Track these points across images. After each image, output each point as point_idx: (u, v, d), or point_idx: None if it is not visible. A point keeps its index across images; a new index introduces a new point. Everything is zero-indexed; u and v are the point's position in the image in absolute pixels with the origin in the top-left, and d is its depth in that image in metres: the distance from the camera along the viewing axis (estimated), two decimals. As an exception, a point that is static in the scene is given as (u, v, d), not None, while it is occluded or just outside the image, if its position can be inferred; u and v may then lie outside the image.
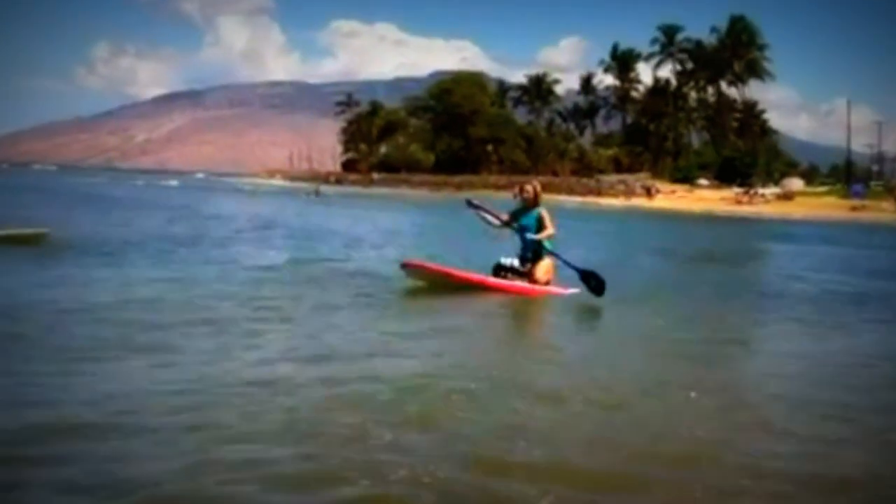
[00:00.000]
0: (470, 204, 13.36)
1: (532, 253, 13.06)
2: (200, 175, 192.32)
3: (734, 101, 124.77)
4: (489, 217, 13.24)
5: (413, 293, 12.46)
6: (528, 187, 13.31)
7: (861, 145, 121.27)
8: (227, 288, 12.60)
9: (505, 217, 13.23)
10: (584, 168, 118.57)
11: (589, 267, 13.26)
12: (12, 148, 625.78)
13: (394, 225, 36.20)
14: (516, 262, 12.96)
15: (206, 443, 5.49)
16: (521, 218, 13.18)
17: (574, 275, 13.27)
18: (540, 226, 13.03)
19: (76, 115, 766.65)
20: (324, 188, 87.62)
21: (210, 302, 11.16)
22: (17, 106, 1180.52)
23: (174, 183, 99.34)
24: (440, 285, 12.39)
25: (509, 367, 8.39)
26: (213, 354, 8.11)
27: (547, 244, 13.10)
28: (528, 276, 12.92)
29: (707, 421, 6.59)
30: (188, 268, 15.27)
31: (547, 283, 12.99)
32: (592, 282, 12.93)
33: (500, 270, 12.94)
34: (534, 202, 13.21)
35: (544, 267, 13.02)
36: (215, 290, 12.23)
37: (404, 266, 12.65)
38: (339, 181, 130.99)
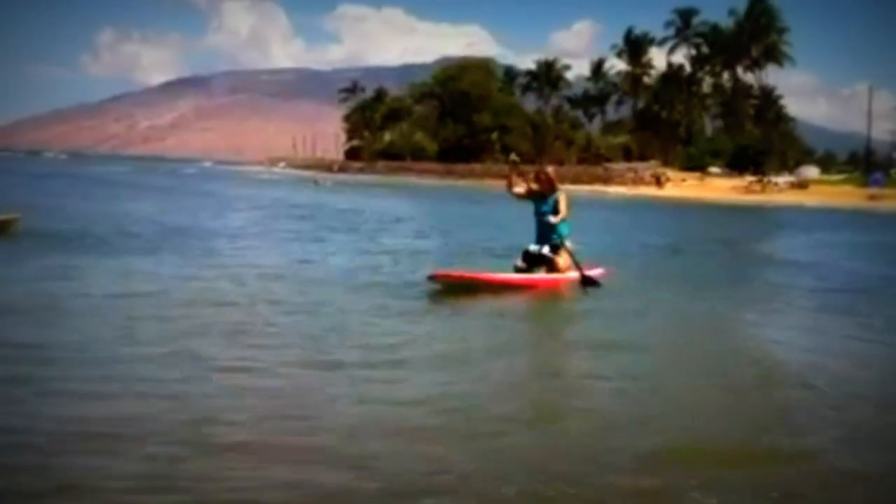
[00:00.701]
0: (514, 164, 13.59)
1: (556, 238, 13.13)
2: (208, 164, 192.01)
3: (750, 86, 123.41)
4: (516, 189, 13.40)
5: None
6: (542, 175, 13.32)
7: (882, 132, 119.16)
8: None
9: (521, 190, 13.41)
10: (592, 156, 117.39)
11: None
12: (17, 136, 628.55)
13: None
14: (546, 250, 13.06)
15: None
16: (541, 205, 13.28)
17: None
18: (555, 210, 13.14)
19: (81, 102, 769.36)
20: (321, 177, 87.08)
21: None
22: (21, 93, 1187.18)
23: (191, 171, 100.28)
24: (467, 289, 12.20)
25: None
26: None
27: (564, 229, 13.16)
28: (551, 265, 13.06)
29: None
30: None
31: (567, 270, 13.07)
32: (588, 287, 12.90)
33: (528, 258, 13.04)
34: (549, 188, 13.23)
35: (565, 254, 13.14)
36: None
37: (432, 277, 12.35)
38: (342, 169, 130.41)
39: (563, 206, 13.05)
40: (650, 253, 22.50)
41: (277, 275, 13.62)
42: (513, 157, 13.42)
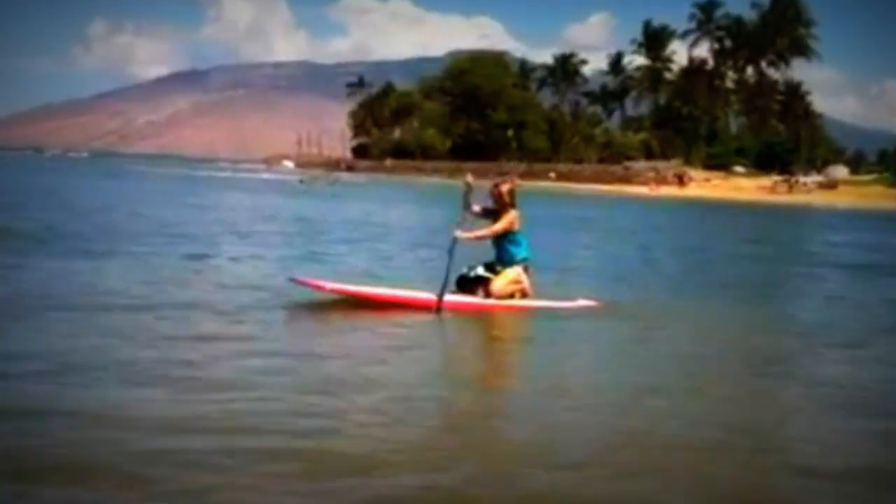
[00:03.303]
0: (468, 185, 11.99)
1: (499, 260, 11.75)
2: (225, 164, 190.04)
3: (775, 82, 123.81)
4: (473, 208, 11.93)
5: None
6: (504, 188, 11.85)
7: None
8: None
9: (477, 209, 11.93)
10: (612, 154, 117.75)
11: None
12: (9, 131, 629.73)
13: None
14: (481, 270, 11.62)
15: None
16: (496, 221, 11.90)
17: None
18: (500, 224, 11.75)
19: (72, 97, 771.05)
20: (310, 176, 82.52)
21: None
22: (9, 88, 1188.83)
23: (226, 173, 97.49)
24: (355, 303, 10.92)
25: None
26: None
27: (521, 252, 11.75)
28: (486, 286, 11.54)
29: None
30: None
31: (510, 296, 11.56)
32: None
33: (464, 284, 11.56)
34: (502, 204, 11.77)
35: (506, 277, 11.59)
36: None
37: (294, 280, 11.21)
38: (350, 168, 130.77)
39: (497, 225, 11.69)
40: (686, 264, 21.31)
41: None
42: (468, 178, 12.01)
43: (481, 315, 11.17)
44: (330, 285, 11.08)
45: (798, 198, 78.54)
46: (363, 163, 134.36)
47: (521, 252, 11.75)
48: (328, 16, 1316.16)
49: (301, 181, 72.10)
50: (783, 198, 79.37)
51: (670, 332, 10.82)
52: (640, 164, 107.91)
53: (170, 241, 17.92)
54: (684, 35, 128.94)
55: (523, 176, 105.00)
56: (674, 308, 12.54)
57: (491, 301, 11.49)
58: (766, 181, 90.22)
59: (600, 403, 7.07)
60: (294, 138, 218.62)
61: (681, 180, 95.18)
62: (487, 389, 7.90)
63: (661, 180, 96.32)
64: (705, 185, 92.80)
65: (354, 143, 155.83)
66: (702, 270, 19.73)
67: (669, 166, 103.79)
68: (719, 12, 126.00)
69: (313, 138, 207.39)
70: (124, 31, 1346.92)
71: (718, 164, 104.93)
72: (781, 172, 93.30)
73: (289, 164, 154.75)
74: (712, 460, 5.74)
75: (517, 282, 11.65)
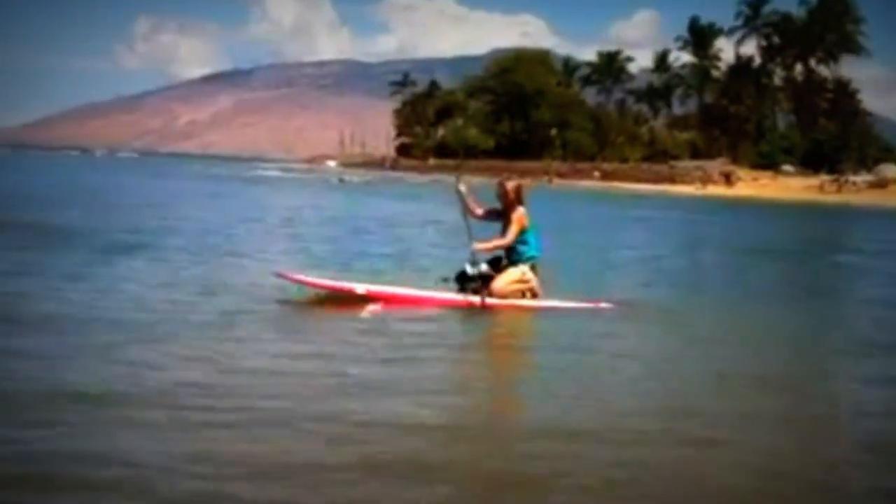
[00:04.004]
0: (459, 193, 11.91)
1: (506, 258, 11.74)
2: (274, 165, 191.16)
3: (824, 79, 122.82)
4: (476, 212, 11.97)
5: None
6: (509, 185, 11.86)
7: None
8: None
9: (480, 212, 11.98)
10: (657, 153, 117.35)
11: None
12: (52, 130, 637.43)
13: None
14: (484, 267, 11.55)
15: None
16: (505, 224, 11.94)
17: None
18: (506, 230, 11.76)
19: (117, 95, 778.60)
20: (347, 176, 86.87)
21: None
22: (55, 87, 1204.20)
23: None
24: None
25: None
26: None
27: (528, 251, 11.72)
28: (486, 283, 11.49)
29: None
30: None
31: (521, 295, 11.56)
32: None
33: (465, 281, 11.57)
34: (509, 202, 11.79)
35: (509, 276, 11.57)
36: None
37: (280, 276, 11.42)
38: (393, 167, 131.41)
39: (510, 231, 11.63)
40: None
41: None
42: (460, 186, 11.72)
43: (491, 315, 11.11)
44: (312, 280, 11.32)
45: (848, 197, 78.01)
46: (406, 162, 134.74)
47: (528, 251, 11.70)
48: (372, 14, 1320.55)
49: (340, 180, 76.14)
50: (832, 197, 78.87)
51: (682, 337, 10.44)
52: (686, 164, 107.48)
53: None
54: (731, 32, 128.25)
55: (567, 175, 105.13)
56: (700, 311, 12.42)
57: (525, 302, 11.51)
58: (815, 180, 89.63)
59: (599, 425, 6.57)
60: (337, 138, 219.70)
61: (728, 179, 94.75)
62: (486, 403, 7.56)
63: (707, 179, 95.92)
64: (753, 185, 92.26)
65: (398, 142, 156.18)
66: (744, 272, 19.54)
67: (716, 165, 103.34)
68: (767, 9, 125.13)
69: (357, 137, 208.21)
70: (168, 30, 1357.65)
71: (766, 163, 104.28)
72: (830, 171, 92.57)
73: (332, 163, 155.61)
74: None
75: (521, 280, 11.59)
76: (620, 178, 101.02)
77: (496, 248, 11.72)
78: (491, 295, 11.38)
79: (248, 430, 6.05)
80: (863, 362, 9.48)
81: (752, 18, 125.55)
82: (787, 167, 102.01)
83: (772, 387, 8.14)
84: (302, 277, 11.34)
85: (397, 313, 10.72)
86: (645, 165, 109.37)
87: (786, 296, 15.42)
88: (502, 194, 11.83)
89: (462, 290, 11.52)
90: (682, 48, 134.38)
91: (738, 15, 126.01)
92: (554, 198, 51.76)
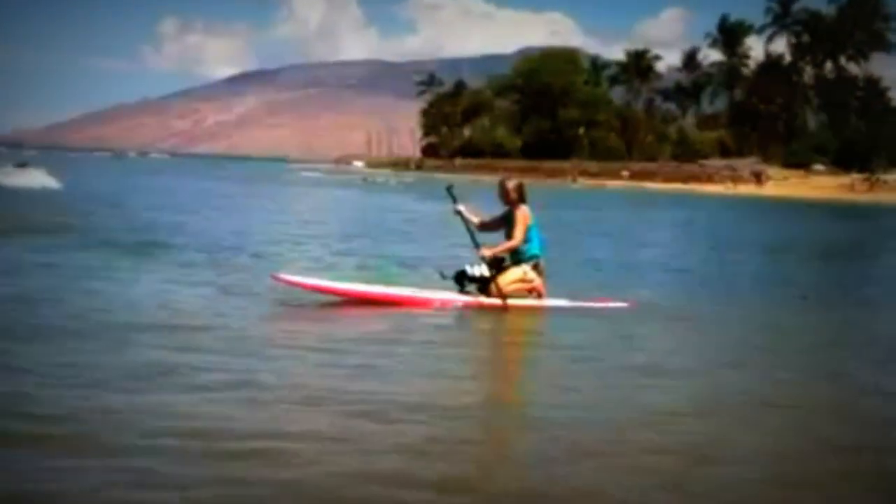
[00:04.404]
0: (450, 193, 11.85)
1: (510, 257, 11.64)
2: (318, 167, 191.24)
3: (854, 77, 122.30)
4: (469, 221, 11.80)
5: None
6: (510, 185, 11.79)
7: None
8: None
9: (481, 220, 11.91)
10: (686, 152, 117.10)
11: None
12: (82, 131, 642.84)
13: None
14: (482, 269, 11.44)
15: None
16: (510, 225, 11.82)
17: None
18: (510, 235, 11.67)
19: (144, 96, 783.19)
20: (382, 178, 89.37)
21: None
22: (82, 88, 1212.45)
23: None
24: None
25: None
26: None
27: (530, 250, 11.61)
28: (486, 285, 11.44)
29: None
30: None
31: (511, 295, 11.39)
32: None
33: (464, 280, 11.48)
34: (511, 201, 11.74)
35: (511, 275, 11.48)
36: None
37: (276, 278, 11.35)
38: (419, 167, 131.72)
39: (517, 231, 11.56)
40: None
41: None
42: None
43: (493, 315, 11.03)
44: (310, 283, 11.32)
45: (879, 196, 77.66)
46: (432, 162, 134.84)
47: (531, 249, 11.60)
48: (398, 13, 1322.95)
49: (364, 179, 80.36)
50: (863, 196, 78.58)
51: (686, 337, 10.26)
52: (716, 163, 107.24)
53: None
54: (761, 30, 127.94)
55: (595, 174, 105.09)
56: (713, 310, 12.19)
57: (532, 301, 11.52)
58: (846, 179, 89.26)
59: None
60: (364, 137, 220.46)
61: (758, 179, 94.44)
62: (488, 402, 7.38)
63: (737, 179, 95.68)
64: (783, 184, 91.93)
65: (424, 142, 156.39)
66: (773, 271, 19.48)
67: (746, 164, 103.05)
68: (796, 6, 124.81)
69: (383, 138, 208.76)
70: (194, 31, 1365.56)
71: (797, 162, 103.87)
72: (862, 170, 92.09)
73: (359, 164, 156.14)
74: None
75: (523, 280, 11.52)
76: (649, 177, 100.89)
77: (506, 251, 11.57)
78: (491, 295, 11.32)
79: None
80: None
81: (782, 16, 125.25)
82: (818, 166, 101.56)
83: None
84: (297, 280, 11.29)
85: (414, 314, 10.73)
86: (674, 165, 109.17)
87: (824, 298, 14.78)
88: (503, 193, 11.78)
89: (462, 289, 11.42)
90: (711, 45, 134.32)
91: (767, 12, 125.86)
92: (577, 198, 51.84)
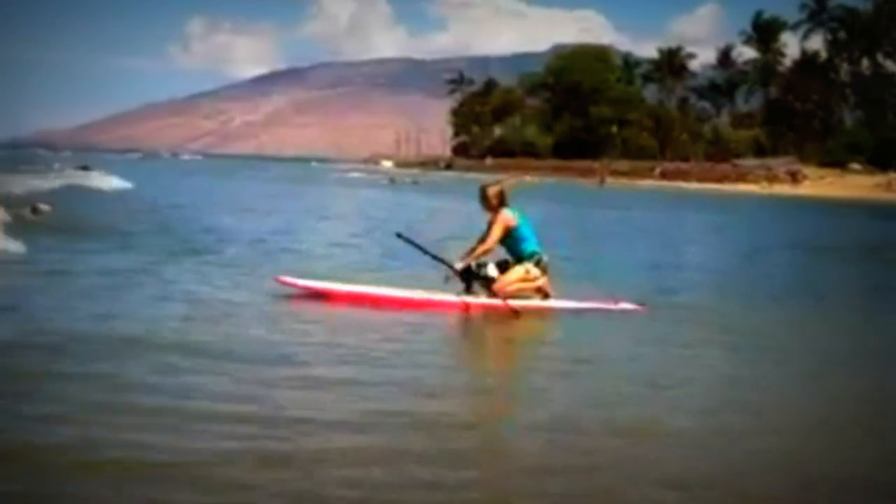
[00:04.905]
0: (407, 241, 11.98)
1: (512, 258, 11.66)
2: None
3: (892, 74, 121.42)
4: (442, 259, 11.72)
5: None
6: (490, 191, 11.75)
7: None
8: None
9: (475, 249, 11.61)
10: (720, 152, 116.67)
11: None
12: (110, 132, 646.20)
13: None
14: (492, 269, 11.49)
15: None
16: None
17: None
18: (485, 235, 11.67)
19: (170, 96, 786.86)
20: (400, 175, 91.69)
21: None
22: (109, 88, 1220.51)
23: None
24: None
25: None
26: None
27: (528, 247, 11.56)
28: (488, 284, 11.47)
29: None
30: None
31: (513, 294, 11.39)
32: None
33: (470, 277, 11.52)
34: (490, 207, 11.73)
35: (513, 274, 11.48)
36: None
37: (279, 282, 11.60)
38: (448, 166, 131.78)
39: (492, 233, 11.55)
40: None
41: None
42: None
43: (497, 316, 11.03)
44: (313, 286, 11.48)
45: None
46: (463, 161, 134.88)
47: (528, 247, 11.55)
48: (427, 11, 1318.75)
49: (391, 180, 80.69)
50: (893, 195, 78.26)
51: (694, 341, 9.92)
52: (750, 162, 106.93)
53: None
54: (796, 27, 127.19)
55: (627, 174, 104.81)
56: (729, 313, 11.87)
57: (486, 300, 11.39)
58: (883, 178, 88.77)
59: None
60: (393, 137, 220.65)
61: (794, 178, 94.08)
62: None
63: (772, 178, 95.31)
64: (820, 183, 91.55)
65: (455, 141, 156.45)
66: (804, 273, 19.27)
67: (781, 163, 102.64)
68: (832, 3, 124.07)
69: (412, 137, 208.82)
70: (222, 30, 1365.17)
71: (833, 160, 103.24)
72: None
73: (388, 163, 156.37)
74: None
75: (525, 279, 11.49)
76: (682, 176, 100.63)
77: (480, 255, 11.50)
78: (494, 295, 11.29)
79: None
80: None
81: (818, 13, 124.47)
82: (855, 165, 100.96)
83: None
84: (298, 282, 11.49)
85: (419, 317, 10.74)
86: (707, 164, 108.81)
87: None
88: (484, 199, 11.76)
89: (468, 287, 11.42)
90: (745, 43, 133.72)
91: (802, 9, 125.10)
92: (606, 198, 51.53)
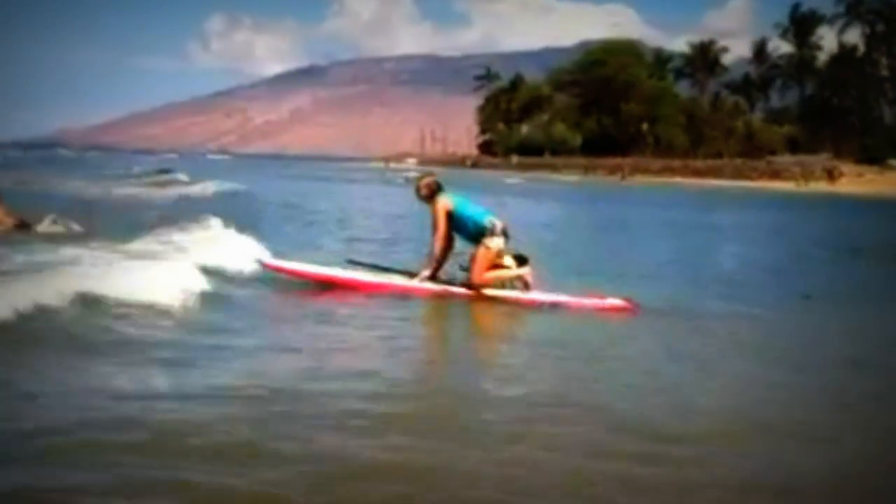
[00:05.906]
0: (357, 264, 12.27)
1: (472, 243, 11.72)
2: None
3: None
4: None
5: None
6: (422, 183, 11.91)
7: None
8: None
9: (434, 254, 11.68)
10: (754, 148, 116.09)
11: None
12: (129, 131, 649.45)
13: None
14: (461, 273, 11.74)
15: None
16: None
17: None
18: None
19: (192, 95, 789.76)
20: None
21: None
22: (130, 87, 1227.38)
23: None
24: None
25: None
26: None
27: (478, 222, 11.57)
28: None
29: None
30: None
31: (490, 283, 11.47)
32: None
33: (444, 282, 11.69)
34: (424, 197, 11.89)
35: (476, 263, 11.51)
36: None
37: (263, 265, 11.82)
38: (474, 165, 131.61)
39: (436, 226, 11.70)
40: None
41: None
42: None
43: (487, 306, 11.10)
44: (298, 268, 11.66)
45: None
46: (488, 160, 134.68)
47: (477, 221, 11.56)
48: (453, 6, 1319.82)
49: (406, 179, 79.81)
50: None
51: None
52: (785, 159, 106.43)
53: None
54: (833, 20, 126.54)
55: (658, 173, 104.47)
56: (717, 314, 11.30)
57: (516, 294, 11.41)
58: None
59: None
60: (417, 135, 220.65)
61: (830, 175, 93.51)
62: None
63: (808, 175, 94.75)
64: (857, 181, 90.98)
65: (480, 139, 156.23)
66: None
67: (817, 160, 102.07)
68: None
69: (437, 135, 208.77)
70: (243, 27, 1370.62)
71: (872, 157, 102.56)
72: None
73: (411, 161, 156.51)
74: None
75: (489, 259, 11.44)
76: (715, 174, 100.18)
77: (439, 254, 11.61)
78: (472, 287, 11.37)
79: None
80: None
81: (855, 5, 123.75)
82: (894, 161, 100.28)
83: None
84: (281, 265, 11.72)
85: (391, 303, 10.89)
86: (741, 161, 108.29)
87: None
88: (417, 192, 11.93)
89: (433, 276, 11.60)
90: (781, 36, 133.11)
91: (839, 2, 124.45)
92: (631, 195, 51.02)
